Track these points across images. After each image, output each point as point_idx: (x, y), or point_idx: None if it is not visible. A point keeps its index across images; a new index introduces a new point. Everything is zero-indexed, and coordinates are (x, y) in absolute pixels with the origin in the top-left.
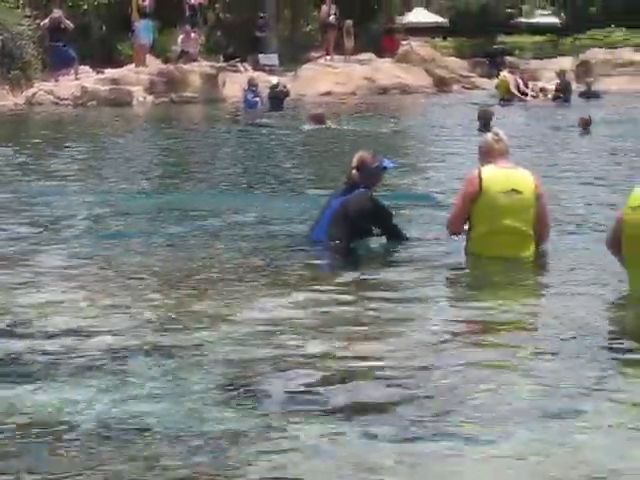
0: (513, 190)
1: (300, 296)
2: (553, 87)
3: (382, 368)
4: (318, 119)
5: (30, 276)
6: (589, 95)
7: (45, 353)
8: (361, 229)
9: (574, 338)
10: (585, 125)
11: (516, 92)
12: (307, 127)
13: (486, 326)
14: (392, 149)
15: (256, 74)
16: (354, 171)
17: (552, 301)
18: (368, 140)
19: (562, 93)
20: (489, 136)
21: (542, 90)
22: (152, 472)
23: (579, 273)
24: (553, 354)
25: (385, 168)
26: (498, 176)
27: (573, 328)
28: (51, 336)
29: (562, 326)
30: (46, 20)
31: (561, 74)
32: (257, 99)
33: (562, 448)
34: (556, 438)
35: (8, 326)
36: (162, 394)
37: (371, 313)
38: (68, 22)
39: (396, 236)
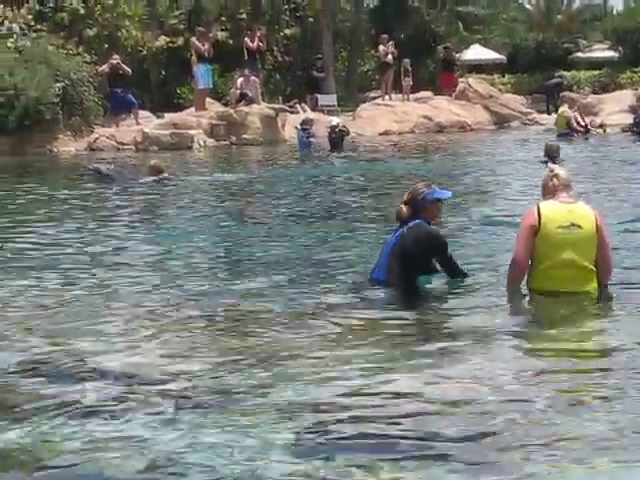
0: (573, 224)
1: (360, 337)
2: (614, 122)
3: (455, 404)
4: (155, 170)
5: (89, 313)
6: None
7: (107, 392)
8: (419, 263)
9: None
10: None
11: (576, 126)
12: (147, 179)
13: (555, 362)
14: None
15: (315, 115)
16: (402, 205)
17: (618, 337)
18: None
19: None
20: (545, 173)
21: (601, 125)
22: None
23: None
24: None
25: (438, 199)
26: (557, 210)
27: None
28: (119, 376)
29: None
30: (105, 66)
31: (637, 108)
32: (312, 139)
33: None
34: None
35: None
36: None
37: (434, 350)
38: (126, 68)
39: (451, 270)
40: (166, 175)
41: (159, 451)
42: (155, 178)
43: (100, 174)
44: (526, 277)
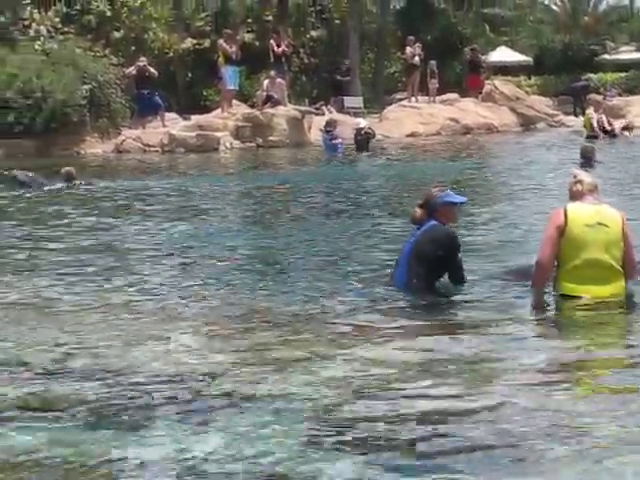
0: (599, 223)
1: (383, 340)
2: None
3: (480, 410)
4: (68, 176)
5: (122, 316)
6: None
7: (136, 398)
8: (436, 263)
9: None
10: None
11: (596, 128)
12: (58, 186)
13: (581, 366)
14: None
15: (341, 117)
16: (416, 208)
17: None
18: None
19: None
20: (569, 178)
21: (627, 127)
22: None
23: None
24: None
25: (452, 203)
26: (584, 210)
27: None
28: (148, 381)
29: None
30: (132, 68)
31: None
32: (336, 141)
33: None
34: None
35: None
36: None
37: (457, 354)
38: (152, 70)
39: (456, 274)
40: (78, 182)
41: (179, 453)
42: (66, 185)
43: (17, 181)
44: (552, 281)
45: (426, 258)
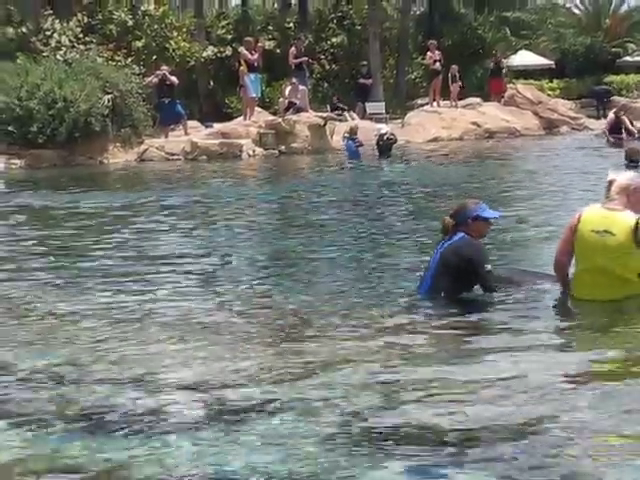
0: (606, 230)
1: (406, 350)
2: None
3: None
4: None
5: (144, 326)
6: None
7: (157, 406)
8: (464, 275)
9: None
10: None
11: (606, 133)
12: None
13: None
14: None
15: (363, 123)
16: (447, 217)
17: None
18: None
19: None
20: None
21: None
22: None
23: None
24: None
25: (484, 218)
26: (595, 215)
27: None
28: (170, 389)
29: None
30: (152, 77)
31: None
32: (358, 148)
33: None
34: None
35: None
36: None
37: (481, 360)
38: (173, 78)
39: (486, 286)
40: None
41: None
42: None
43: None
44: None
45: (450, 269)
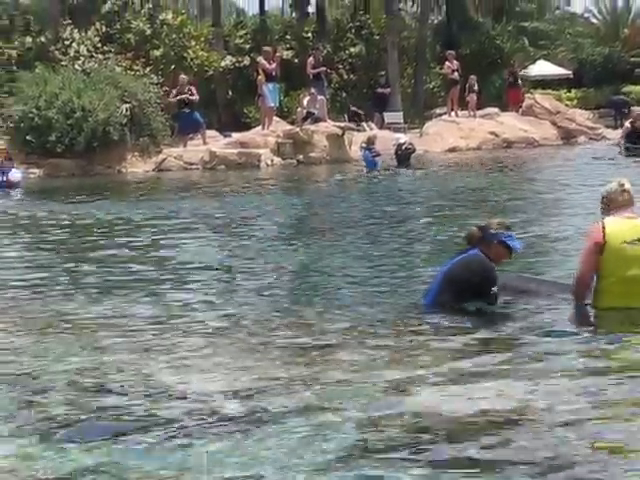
0: (639, 240)
1: (410, 361)
2: None
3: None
4: None
5: (149, 337)
6: None
7: (165, 415)
8: (469, 290)
9: None
10: None
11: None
12: None
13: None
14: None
15: (382, 132)
16: (475, 228)
17: None
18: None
19: None
20: (614, 186)
21: None
22: None
23: None
24: None
25: (510, 248)
26: (622, 225)
27: None
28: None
29: None
30: (174, 91)
31: None
32: (376, 158)
33: None
34: None
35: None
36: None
37: (488, 370)
38: (193, 97)
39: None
40: None
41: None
42: None
43: None
44: (592, 295)
45: (456, 282)
